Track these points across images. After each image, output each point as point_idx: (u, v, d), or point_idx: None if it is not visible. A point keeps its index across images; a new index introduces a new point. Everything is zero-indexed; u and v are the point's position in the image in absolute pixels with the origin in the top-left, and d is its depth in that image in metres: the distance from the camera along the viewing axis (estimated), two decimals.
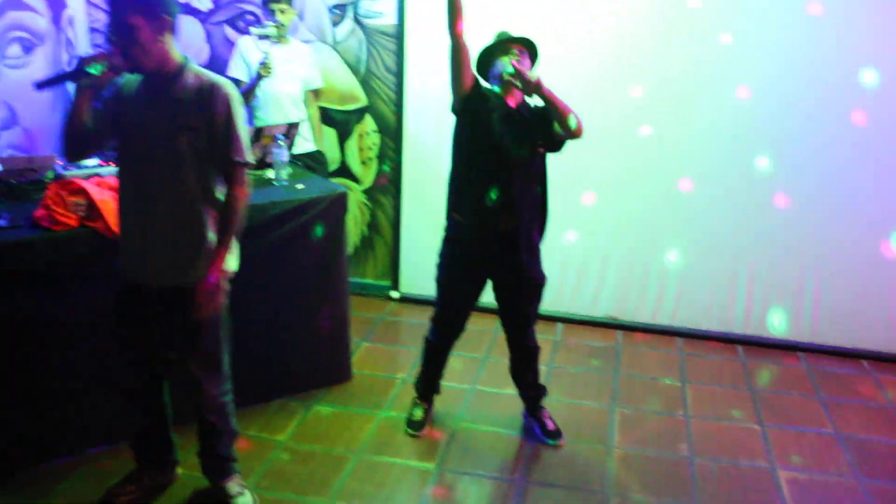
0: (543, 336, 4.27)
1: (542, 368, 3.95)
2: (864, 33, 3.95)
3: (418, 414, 3.43)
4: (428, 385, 3.48)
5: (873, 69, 3.98)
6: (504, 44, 3.03)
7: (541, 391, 3.46)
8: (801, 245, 4.22)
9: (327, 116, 4.68)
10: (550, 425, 3.39)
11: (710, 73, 4.13)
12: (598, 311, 4.52)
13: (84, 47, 4.49)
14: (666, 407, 3.72)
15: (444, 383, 3.55)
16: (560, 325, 4.51)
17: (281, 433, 3.34)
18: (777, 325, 4.36)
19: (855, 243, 4.17)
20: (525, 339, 3.34)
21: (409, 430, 3.39)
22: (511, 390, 3.52)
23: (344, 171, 4.82)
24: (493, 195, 3.00)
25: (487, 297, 3.30)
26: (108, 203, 2.84)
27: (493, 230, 3.07)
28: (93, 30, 4.59)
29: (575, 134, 2.96)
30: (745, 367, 4.16)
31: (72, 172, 3.19)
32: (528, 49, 3.08)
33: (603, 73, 4.23)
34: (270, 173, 3.64)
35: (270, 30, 4.01)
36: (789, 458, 3.36)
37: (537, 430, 3.40)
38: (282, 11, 4.07)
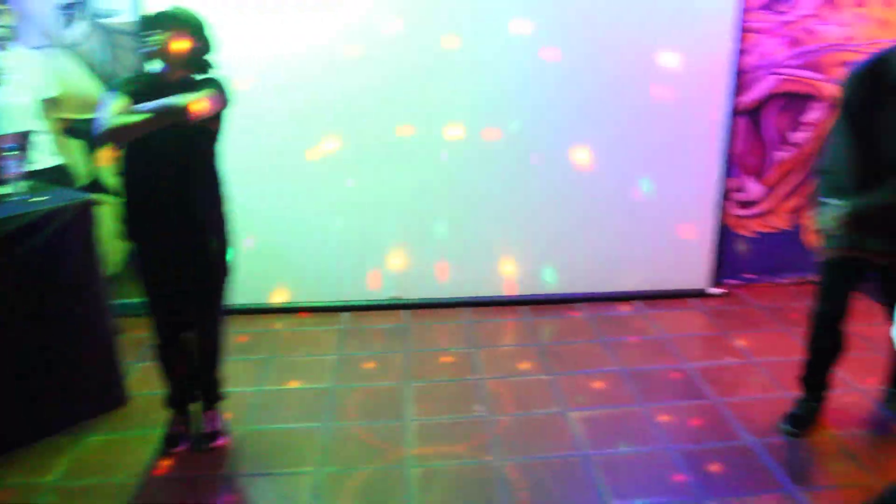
0: (328, 327, 4.23)
1: (332, 358, 3.88)
2: None
3: (174, 429, 3.20)
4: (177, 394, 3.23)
5: (603, 30, 4.23)
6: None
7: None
8: (562, 200, 4.42)
9: (71, 127, 4.29)
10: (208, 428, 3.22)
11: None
12: (382, 295, 4.48)
13: None
14: (458, 374, 3.74)
15: (232, 389, 3.36)
16: (345, 314, 4.42)
17: (48, 474, 2.99)
18: (553, 280, 4.54)
19: (609, 192, 4.43)
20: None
21: (168, 448, 3.15)
22: (301, 384, 3.40)
23: (97, 185, 4.43)
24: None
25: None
26: None
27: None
28: None
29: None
30: (530, 324, 4.30)
31: None
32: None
33: (346, 52, 4.18)
34: (6, 188, 3.26)
35: None
36: (577, 399, 3.49)
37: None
38: None
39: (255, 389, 3.63)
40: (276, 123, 4.17)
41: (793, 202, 4.64)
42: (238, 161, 4.12)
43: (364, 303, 4.48)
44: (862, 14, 4.39)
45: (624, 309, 4.49)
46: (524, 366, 3.81)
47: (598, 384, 3.63)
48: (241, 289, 4.30)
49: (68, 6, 4.18)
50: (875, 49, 2.82)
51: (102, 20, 4.20)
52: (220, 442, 3.17)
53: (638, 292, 4.60)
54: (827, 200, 2.96)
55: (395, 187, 4.33)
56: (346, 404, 3.47)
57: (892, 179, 2.78)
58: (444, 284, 4.48)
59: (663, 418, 3.33)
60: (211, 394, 3.22)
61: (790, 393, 3.43)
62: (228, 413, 3.32)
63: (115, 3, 4.18)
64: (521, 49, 4.19)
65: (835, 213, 2.91)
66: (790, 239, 4.70)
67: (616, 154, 4.38)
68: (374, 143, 4.26)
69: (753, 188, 4.62)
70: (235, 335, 4.12)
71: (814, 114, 4.50)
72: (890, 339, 3.25)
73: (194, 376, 3.18)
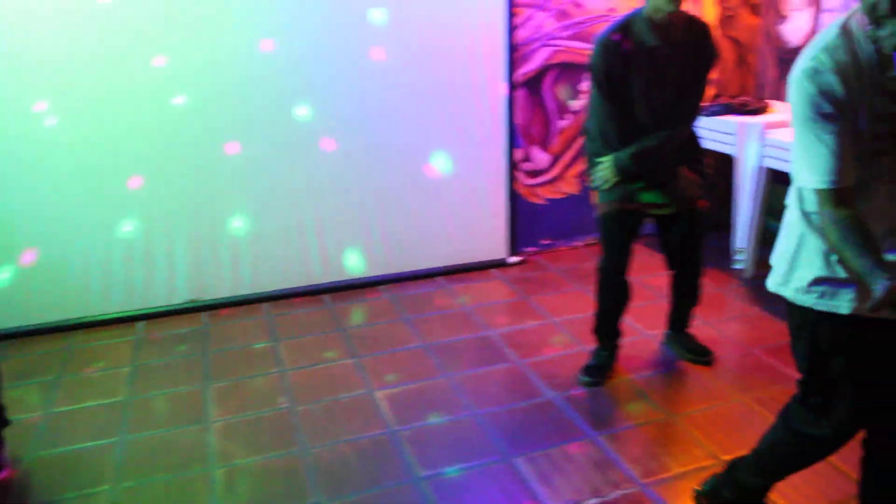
0: (121, 339, 3.93)
1: (126, 370, 3.62)
2: None
3: None
4: None
5: (382, 8, 4.19)
6: None
7: None
8: (356, 184, 4.35)
9: None
10: None
11: (231, 31, 4.01)
12: (178, 298, 4.22)
13: None
14: (260, 369, 3.58)
15: (15, 416, 3.02)
16: (140, 323, 4.12)
17: None
18: (355, 265, 4.47)
19: (403, 172, 4.42)
20: None
21: None
22: (93, 401, 3.13)
23: None
24: None
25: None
26: None
27: None
28: None
29: None
30: (333, 312, 4.20)
31: None
32: None
33: (122, 48, 3.87)
34: None
35: None
36: (384, 378, 3.44)
37: None
38: None
39: (43, 413, 3.28)
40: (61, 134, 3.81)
41: (578, 167, 4.83)
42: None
43: (160, 309, 4.18)
44: None
45: (427, 286, 4.49)
46: (328, 353, 3.71)
47: (403, 362, 3.59)
48: (22, 309, 3.95)
49: None
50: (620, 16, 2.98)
51: None
52: (1, 475, 2.84)
53: (440, 268, 4.62)
54: (597, 159, 3.09)
55: (180, 186, 4.08)
56: (144, 415, 3.22)
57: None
58: (243, 281, 4.29)
59: (468, 386, 3.34)
60: None
61: (588, 347, 3.56)
62: (10, 444, 2.97)
63: None
64: (299, 31, 4.07)
65: (603, 168, 3.05)
66: (580, 202, 4.89)
67: (407, 134, 4.37)
68: (153, 142, 3.99)
69: (540, 157, 4.77)
70: (18, 359, 3.76)
71: (588, 82, 4.71)
72: (669, 286, 3.46)
73: None
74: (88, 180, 3.93)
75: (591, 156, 3.16)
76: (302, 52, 4.12)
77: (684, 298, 3.46)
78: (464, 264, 4.67)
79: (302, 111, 4.19)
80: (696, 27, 2.98)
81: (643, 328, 3.77)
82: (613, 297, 3.34)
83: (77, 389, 3.46)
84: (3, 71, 3.70)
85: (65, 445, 3.04)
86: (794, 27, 4.79)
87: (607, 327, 3.40)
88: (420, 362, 3.58)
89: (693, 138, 3.18)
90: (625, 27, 2.92)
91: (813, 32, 4.62)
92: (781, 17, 4.86)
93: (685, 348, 3.51)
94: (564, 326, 3.90)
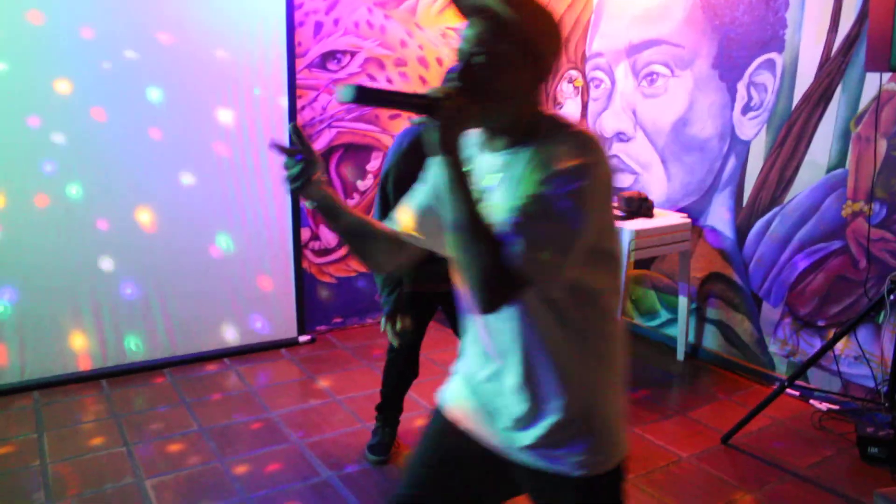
0: None
1: None
2: (143, 55, 4.13)
3: None
4: None
5: (158, 87, 4.19)
6: None
7: None
8: (136, 265, 4.25)
9: None
10: None
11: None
12: None
13: None
14: (17, 463, 3.36)
15: None
16: None
17: None
18: (136, 348, 4.33)
19: (187, 252, 4.37)
20: None
21: None
22: None
23: None
24: None
25: None
26: None
27: None
28: None
29: None
30: (110, 398, 4.02)
31: None
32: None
33: None
34: None
35: None
36: (156, 465, 3.33)
37: None
38: None
39: None
40: None
41: None
42: None
43: None
44: (403, 72, 4.91)
45: (213, 368, 4.41)
46: (97, 441, 3.55)
47: (177, 447, 3.49)
48: None
49: None
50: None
51: None
52: None
53: (229, 349, 4.56)
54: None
55: None
56: None
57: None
58: (8, 368, 4.03)
59: (242, 469, 3.30)
60: None
61: (368, 424, 3.62)
62: None
63: None
64: (69, 109, 3.98)
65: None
66: (370, 280, 5.02)
67: (188, 213, 4.34)
68: None
69: (329, 236, 4.87)
70: None
71: (375, 162, 4.91)
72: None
73: None
74: None
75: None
76: (75, 129, 4.02)
77: None
78: (254, 344, 4.64)
79: (73, 190, 4.06)
80: None
81: (425, 402, 3.89)
82: (402, 374, 3.42)
83: None
84: None
85: None
86: (566, 113, 5.24)
87: (393, 404, 3.48)
88: (195, 447, 3.50)
89: None
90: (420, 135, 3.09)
91: (583, 118, 5.08)
92: (557, 104, 5.32)
93: None
94: (347, 404, 3.95)
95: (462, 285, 1.49)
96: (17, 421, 3.76)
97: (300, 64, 4.59)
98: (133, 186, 4.18)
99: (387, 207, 2.97)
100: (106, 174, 4.11)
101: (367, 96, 1.42)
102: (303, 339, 4.79)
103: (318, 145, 4.72)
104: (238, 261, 4.51)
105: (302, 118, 4.63)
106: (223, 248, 4.46)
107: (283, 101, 4.49)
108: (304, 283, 4.77)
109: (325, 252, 4.88)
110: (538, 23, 1.56)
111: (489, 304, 1.42)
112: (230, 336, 4.57)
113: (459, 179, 1.41)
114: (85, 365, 4.20)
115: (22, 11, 3.82)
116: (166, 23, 4.15)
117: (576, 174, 1.43)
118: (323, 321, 4.96)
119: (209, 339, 4.51)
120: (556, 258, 1.42)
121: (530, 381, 1.59)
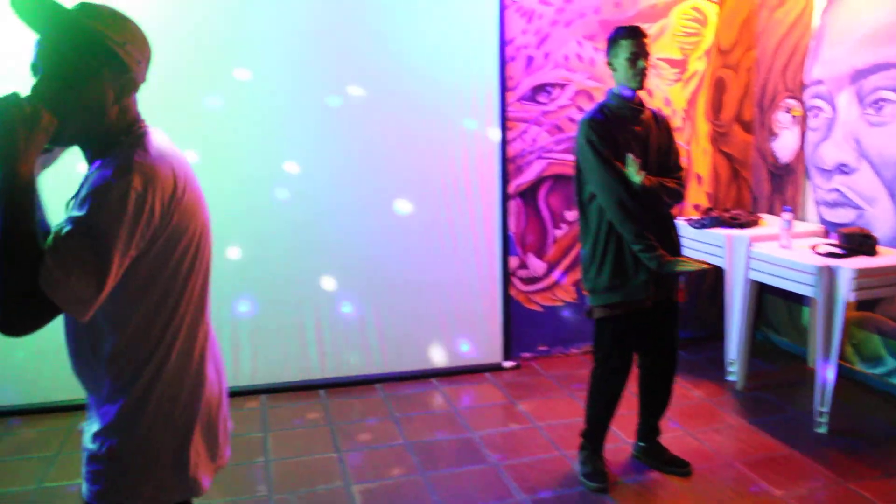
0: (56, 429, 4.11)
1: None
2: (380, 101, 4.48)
3: None
4: None
5: (379, 121, 4.52)
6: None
7: None
8: (355, 284, 4.57)
9: None
10: None
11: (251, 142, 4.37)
12: None
13: None
14: (246, 457, 3.72)
15: (10, 489, 3.20)
16: None
17: None
18: (353, 363, 4.63)
19: (402, 275, 4.62)
20: None
21: None
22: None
23: None
24: None
25: None
26: None
27: None
28: None
29: None
30: (327, 406, 4.34)
31: None
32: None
33: None
34: None
35: None
36: (363, 473, 3.54)
37: None
38: None
39: (35, 487, 3.45)
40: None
41: (574, 276, 4.99)
42: None
43: None
44: None
45: (422, 387, 4.62)
46: (314, 446, 3.84)
47: (383, 458, 3.70)
48: (28, 388, 4.20)
49: None
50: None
51: None
52: None
53: (437, 370, 4.76)
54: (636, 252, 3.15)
55: None
56: None
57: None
58: (242, 371, 4.47)
59: (442, 485, 3.43)
60: None
61: (566, 451, 3.64)
62: None
63: None
64: (300, 141, 4.40)
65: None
66: (576, 311, 5.03)
67: (404, 238, 4.60)
68: None
69: (536, 265, 4.95)
70: (24, 434, 4.00)
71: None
72: (637, 396, 3.54)
73: None
74: None
75: (587, 260, 3.31)
76: (311, 157, 4.43)
77: (656, 395, 3.50)
78: (460, 367, 4.80)
79: (302, 214, 4.45)
80: (656, 112, 3.37)
81: (622, 434, 3.83)
82: (611, 402, 3.39)
83: (71, 466, 3.63)
84: None
85: None
86: (782, 144, 4.99)
87: (601, 430, 3.43)
88: (399, 460, 3.68)
89: (671, 218, 3.35)
90: (601, 108, 3.24)
91: (801, 149, 4.81)
92: (773, 135, 5.07)
93: (660, 460, 3.53)
94: (546, 431, 3.98)
95: None
96: (246, 420, 4.16)
97: (511, 97, 4.74)
98: (355, 212, 4.52)
99: None
100: (330, 200, 4.48)
101: None
102: (507, 364, 4.88)
103: (528, 177, 4.83)
104: (449, 285, 4.71)
105: (512, 149, 4.76)
106: (436, 273, 4.68)
107: (494, 133, 4.66)
108: (511, 309, 4.87)
109: (533, 280, 4.96)
110: (119, 34, 1.53)
111: (9, 326, 1.39)
112: (438, 357, 4.77)
113: (7, 193, 1.37)
114: (306, 374, 4.57)
115: (267, 51, 4.29)
116: (387, 60, 4.47)
117: (107, 196, 1.41)
118: (528, 348, 5.03)
119: (419, 359, 4.73)
120: (86, 281, 1.38)
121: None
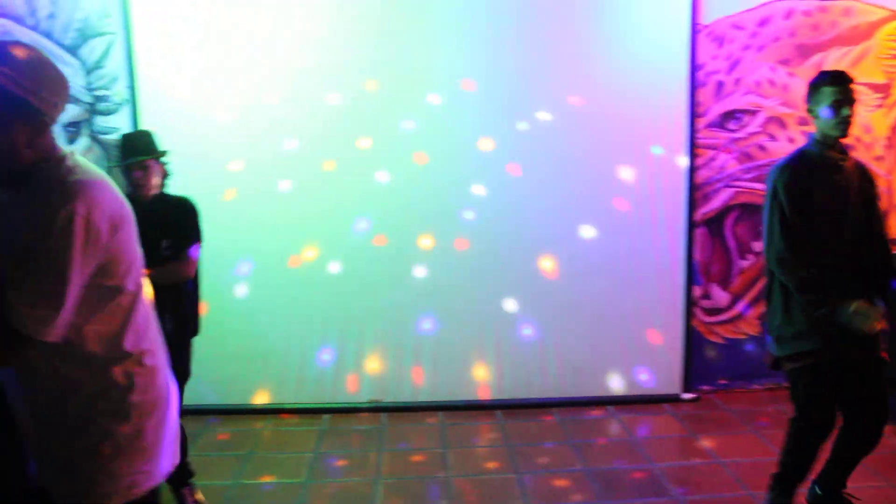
0: (309, 427, 4.35)
1: (308, 456, 3.99)
2: None
3: None
4: None
5: (565, 147, 4.56)
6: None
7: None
8: (536, 308, 4.61)
9: None
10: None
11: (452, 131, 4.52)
12: (361, 398, 4.61)
13: None
14: (427, 472, 3.83)
15: (209, 482, 3.47)
16: (326, 416, 4.54)
17: None
18: (527, 385, 4.66)
19: (583, 300, 4.62)
20: None
21: None
22: (276, 479, 3.51)
23: None
24: None
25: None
26: None
27: None
28: None
29: None
30: (503, 427, 4.39)
31: None
32: None
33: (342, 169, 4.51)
34: None
35: None
36: (543, 496, 3.56)
37: None
38: None
39: (232, 483, 3.72)
40: (261, 233, 4.45)
41: (759, 309, 4.80)
42: (221, 266, 4.41)
43: (344, 405, 4.60)
44: (806, 132, 4.69)
45: (596, 413, 4.58)
46: (492, 465, 3.90)
47: (562, 483, 3.70)
48: (225, 390, 4.53)
49: (72, 124, 4.54)
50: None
51: (102, 136, 4.55)
52: None
53: (611, 397, 4.70)
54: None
55: (373, 294, 4.54)
56: (317, 498, 3.54)
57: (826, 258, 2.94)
58: (421, 388, 4.61)
59: None
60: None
61: (753, 492, 3.50)
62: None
63: (114, 122, 4.55)
64: (488, 165, 4.51)
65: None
66: (760, 344, 4.83)
67: (586, 263, 4.60)
68: (352, 251, 4.51)
69: (720, 295, 4.80)
70: (218, 433, 4.30)
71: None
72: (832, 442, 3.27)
73: None
74: (292, 285, 4.50)
75: (773, 303, 3.12)
76: (491, 181, 4.53)
77: (853, 455, 3.16)
78: (637, 395, 4.72)
79: (489, 235, 4.55)
80: (860, 163, 3.14)
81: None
82: (807, 457, 3.13)
83: (263, 467, 3.88)
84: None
85: None
86: None
87: (794, 480, 3.19)
88: (579, 485, 3.67)
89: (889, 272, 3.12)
90: (799, 155, 3.06)
91: None
92: None
93: None
94: (731, 468, 3.83)
95: None
96: (426, 435, 4.28)
97: (700, 123, 4.64)
98: (539, 236, 4.57)
99: None
100: (516, 223, 4.55)
101: None
102: (686, 396, 4.75)
103: (714, 205, 4.71)
104: (629, 313, 4.65)
105: (699, 177, 4.66)
106: (617, 299, 4.64)
107: (682, 160, 4.58)
108: (692, 340, 4.74)
109: (716, 311, 4.82)
110: (32, 81, 1.52)
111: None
112: (615, 385, 4.71)
113: None
114: (484, 394, 4.65)
115: (458, 79, 4.47)
116: (575, 85, 4.51)
117: (53, 225, 1.49)
118: (708, 381, 4.87)
119: (595, 385, 4.70)
120: (48, 310, 1.49)
121: None
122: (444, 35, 4.46)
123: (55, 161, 1.62)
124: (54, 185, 1.56)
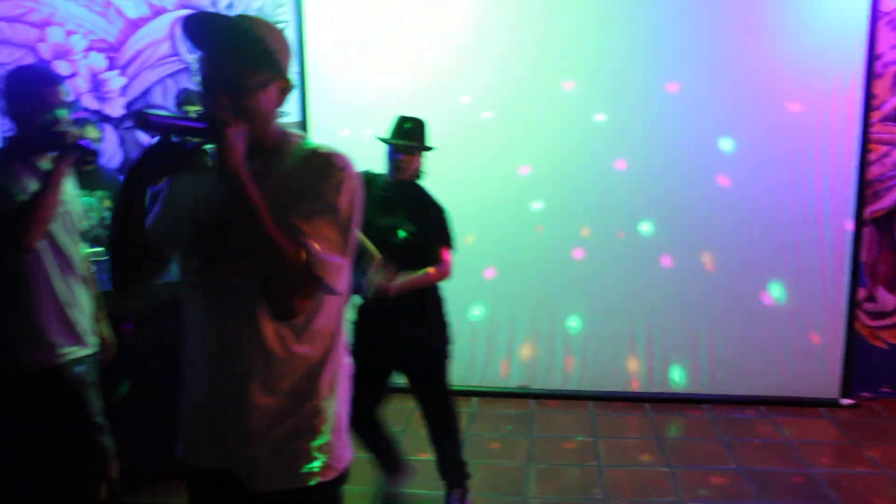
0: (460, 409, 4.45)
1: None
2: (718, 105, 4.45)
3: None
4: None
5: (730, 138, 4.45)
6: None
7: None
8: (689, 302, 4.54)
9: None
10: None
11: (590, 149, 4.53)
12: (511, 383, 4.69)
13: None
14: (579, 460, 3.87)
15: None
16: (475, 399, 4.65)
17: None
18: (678, 379, 4.62)
19: (739, 296, 4.52)
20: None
21: None
22: (428, 456, 3.63)
23: None
24: None
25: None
26: None
27: None
28: None
29: None
30: (653, 420, 4.37)
31: None
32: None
33: (494, 155, 4.59)
34: None
35: None
36: (697, 493, 3.53)
37: None
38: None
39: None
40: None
41: None
42: None
43: (494, 389, 4.70)
44: None
45: (748, 412, 4.48)
46: (644, 457, 3.90)
47: (717, 480, 3.66)
48: None
49: None
50: None
51: None
52: None
53: (764, 397, 4.58)
54: None
55: (529, 282, 4.62)
56: (471, 479, 3.64)
57: None
58: (571, 376, 4.65)
59: None
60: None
61: None
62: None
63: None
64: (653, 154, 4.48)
65: None
66: None
67: (744, 259, 4.50)
68: (510, 239, 4.59)
69: (886, 298, 4.59)
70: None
71: None
72: None
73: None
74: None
75: None
76: (652, 173, 4.48)
77: None
78: (789, 397, 4.58)
79: (645, 227, 4.52)
80: None
81: None
82: None
83: (418, 444, 4.00)
84: None
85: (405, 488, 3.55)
86: None
87: None
88: (735, 485, 3.62)
89: None
90: None
91: None
92: None
93: None
94: None
95: (267, 294, 1.52)
96: (576, 424, 4.32)
97: (874, 117, 4.43)
98: (698, 229, 4.50)
99: None
100: (675, 215, 4.50)
101: (149, 123, 1.47)
102: (845, 402, 4.57)
103: (885, 203, 4.49)
104: (787, 311, 4.52)
105: (870, 173, 4.45)
106: (774, 297, 4.52)
107: (852, 155, 4.38)
108: (854, 344, 4.55)
109: (882, 315, 4.60)
110: (277, 39, 1.60)
111: (294, 309, 1.53)
112: (769, 384, 4.58)
113: (253, 195, 1.46)
114: (633, 386, 4.63)
115: (663, 82, 4.49)
116: (744, 77, 4.40)
117: (346, 181, 1.58)
118: (869, 388, 4.66)
119: (748, 384, 4.59)
120: (343, 258, 1.56)
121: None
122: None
123: (284, 129, 1.68)
124: (322, 150, 1.63)
